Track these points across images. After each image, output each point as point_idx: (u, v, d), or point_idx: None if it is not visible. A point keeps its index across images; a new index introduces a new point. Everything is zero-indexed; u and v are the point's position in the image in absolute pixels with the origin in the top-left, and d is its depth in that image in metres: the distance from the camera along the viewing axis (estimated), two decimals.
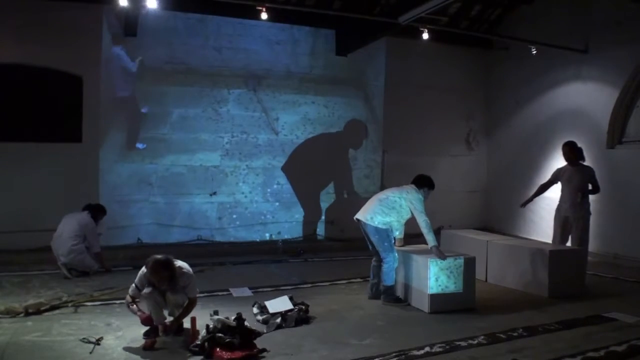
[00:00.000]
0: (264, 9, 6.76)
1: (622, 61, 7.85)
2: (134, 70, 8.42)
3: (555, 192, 6.95)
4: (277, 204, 9.41)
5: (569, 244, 6.79)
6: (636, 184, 7.68)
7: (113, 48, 8.28)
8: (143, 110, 8.55)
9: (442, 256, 5.21)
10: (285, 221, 9.40)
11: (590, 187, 6.74)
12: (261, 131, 9.29)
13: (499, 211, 10.25)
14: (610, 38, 8.04)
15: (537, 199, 7.13)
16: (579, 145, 6.87)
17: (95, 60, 7.96)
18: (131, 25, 8.23)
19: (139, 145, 8.56)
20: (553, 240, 6.91)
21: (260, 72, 9.24)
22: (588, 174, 6.74)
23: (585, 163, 6.86)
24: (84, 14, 7.78)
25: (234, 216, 9.11)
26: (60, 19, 7.65)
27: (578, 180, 6.68)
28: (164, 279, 4.14)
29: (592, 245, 7.97)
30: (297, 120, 9.53)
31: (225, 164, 9.05)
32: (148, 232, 8.51)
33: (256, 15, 7.08)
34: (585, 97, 8.52)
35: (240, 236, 9.05)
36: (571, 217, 6.69)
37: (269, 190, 9.36)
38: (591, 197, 6.94)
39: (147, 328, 4.18)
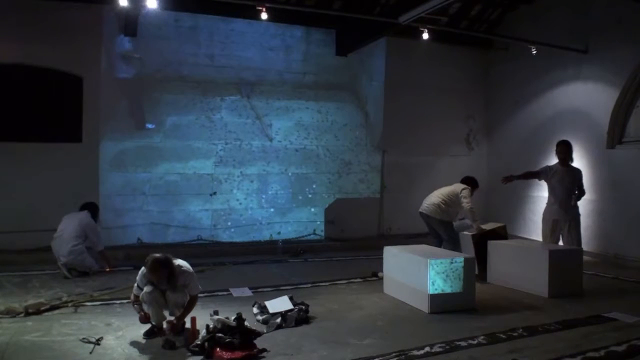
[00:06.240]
0: (263, 9, 6.76)
1: (622, 61, 7.84)
2: (137, 56, 8.48)
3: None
4: (272, 210, 9.36)
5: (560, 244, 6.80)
6: (636, 184, 7.67)
7: (120, 37, 8.34)
8: (148, 126, 8.57)
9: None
10: (281, 223, 9.36)
11: (576, 189, 6.77)
12: (255, 138, 9.25)
13: (499, 211, 10.23)
14: (610, 38, 8.03)
15: (536, 197, 7.17)
16: (576, 145, 6.87)
17: (95, 61, 7.96)
18: (131, 25, 8.24)
19: (149, 125, 8.57)
20: (543, 242, 6.91)
21: (253, 78, 9.23)
22: (578, 176, 6.76)
23: (573, 164, 6.89)
24: (84, 14, 7.78)
25: (229, 223, 9.04)
26: (61, 19, 7.66)
27: (569, 181, 6.71)
28: (163, 277, 4.15)
29: (592, 245, 8.00)
30: (291, 126, 9.51)
31: (219, 171, 9.00)
32: (144, 237, 8.47)
33: (256, 16, 7.08)
34: (585, 97, 8.51)
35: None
36: (562, 220, 6.70)
37: (263, 196, 9.31)
38: (588, 197, 6.93)
39: (147, 328, 4.21)
